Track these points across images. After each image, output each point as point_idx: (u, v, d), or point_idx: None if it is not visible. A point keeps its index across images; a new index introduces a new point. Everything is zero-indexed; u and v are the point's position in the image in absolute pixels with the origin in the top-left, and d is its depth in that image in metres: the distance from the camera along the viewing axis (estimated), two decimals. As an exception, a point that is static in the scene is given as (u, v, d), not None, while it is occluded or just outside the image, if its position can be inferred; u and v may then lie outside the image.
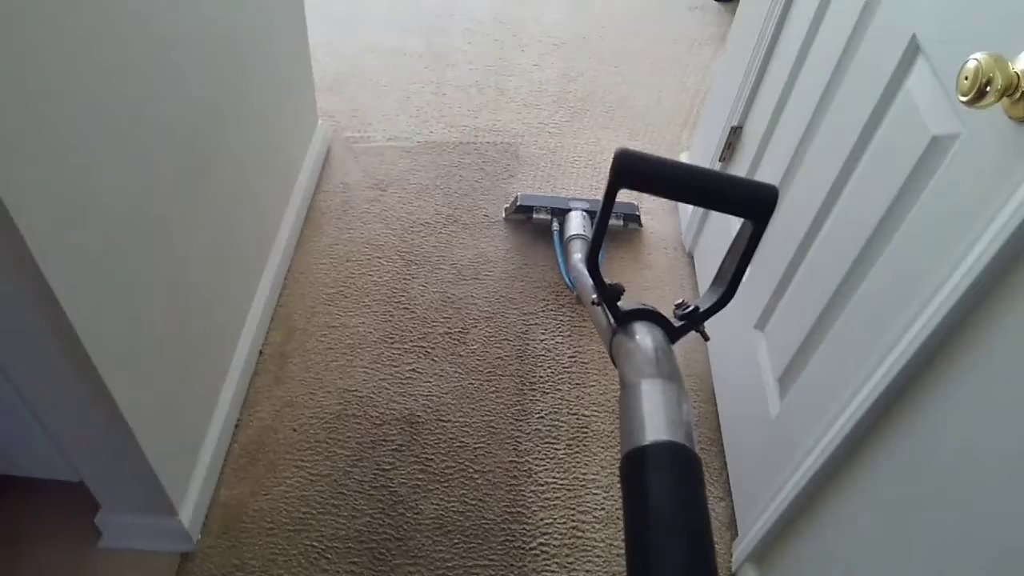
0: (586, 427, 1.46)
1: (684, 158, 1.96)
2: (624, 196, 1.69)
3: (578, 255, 1.57)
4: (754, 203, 0.71)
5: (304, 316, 1.59)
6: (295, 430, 1.41)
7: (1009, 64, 0.67)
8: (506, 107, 2.17)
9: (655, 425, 0.62)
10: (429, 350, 1.56)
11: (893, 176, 0.91)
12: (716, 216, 1.65)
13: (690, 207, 1.79)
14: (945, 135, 0.81)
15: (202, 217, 1.21)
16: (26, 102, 0.73)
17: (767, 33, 1.37)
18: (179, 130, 1.10)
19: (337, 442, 1.40)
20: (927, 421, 0.81)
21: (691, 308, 0.78)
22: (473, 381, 1.52)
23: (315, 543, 1.27)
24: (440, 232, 1.79)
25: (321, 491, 1.33)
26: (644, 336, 0.74)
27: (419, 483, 1.36)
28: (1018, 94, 0.67)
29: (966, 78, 0.68)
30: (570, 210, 1.74)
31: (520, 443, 1.43)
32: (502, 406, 1.48)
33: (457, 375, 1.52)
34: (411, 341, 1.57)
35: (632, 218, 1.79)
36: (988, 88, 0.67)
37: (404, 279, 1.69)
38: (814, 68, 1.20)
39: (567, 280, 1.65)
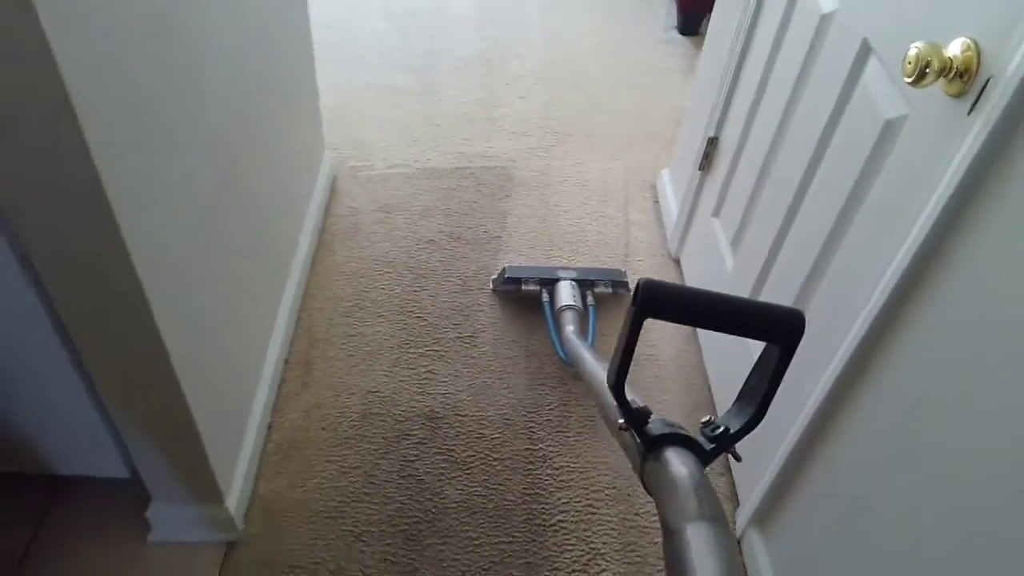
0: (592, 416, 1.57)
1: (665, 175, 2.12)
2: (611, 263, 1.84)
3: (570, 327, 1.59)
4: (782, 329, 0.69)
5: (324, 327, 1.71)
6: (324, 429, 1.51)
7: (943, 49, 0.83)
8: (496, 135, 2.33)
9: None
10: (443, 353, 1.68)
11: (855, 161, 1.06)
12: (699, 224, 1.80)
13: (674, 213, 1.94)
14: (896, 117, 0.97)
15: (232, 234, 1.33)
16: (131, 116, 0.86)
17: (736, 48, 1.55)
18: (213, 152, 1.22)
19: (364, 438, 1.50)
20: (900, 360, 0.95)
21: (721, 429, 0.75)
22: (486, 379, 1.63)
23: (351, 528, 1.36)
24: (444, 248, 1.93)
25: (353, 482, 1.43)
26: (679, 466, 0.70)
27: (443, 471, 1.46)
28: (952, 74, 0.83)
29: (909, 63, 0.84)
30: (559, 280, 1.75)
31: (534, 432, 1.54)
32: (514, 400, 1.60)
33: (470, 374, 1.64)
34: (426, 346, 1.69)
35: (620, 284, 1.81)
36: (928, 70, 0.82)
37: (414, 291, 1.81)
38: (780, 76, 1.36)
39: (560, 352, 1.62)
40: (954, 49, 0.83)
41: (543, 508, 1.42)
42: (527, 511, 1.41)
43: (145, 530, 1.31)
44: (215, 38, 1.18)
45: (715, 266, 1.64)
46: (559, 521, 1.40)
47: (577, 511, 1.42)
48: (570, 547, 1.37)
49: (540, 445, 1.52)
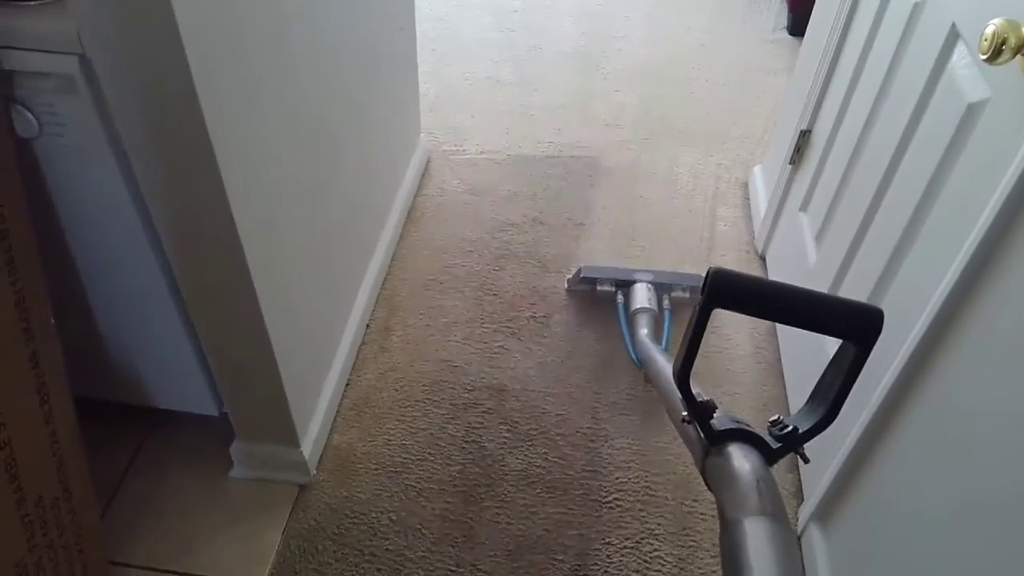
0: (659, 402, 1.57)
1: (758, 171, 2.09)
2: (692, 257, 1.81)
3: (644, 330, 1.57)
4: (858, 327, 0.66)
5: (406, 297, 1.79)
6: (397, 391, 1.59)
7: (1021, 27, 0.80)
8: (589, 126, 2.36)
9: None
10: (516, 331, 1.72)
11: (937, 147, 1.03)
12: (786, 219, 1.76)
13: (762, 209, 1.91)
14: (978, 101, 0.94)
15: (336, 198, 1.43)
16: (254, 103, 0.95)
17: (833, 40, 1.51)
18: (325, 125, 1.32)
19: (433, 403, 1.56)
20: (963, 362, 0.91)
21: (790, 428, 0.72)
22: (556, 358, 1.66)
23: (414, 484, 1.42)
24: (527, 232, 1.97)
25: (419, 442, 1.49)
26: (742, 461, 0.68)
27: (506, 441, 1.50)
28: (1031, 52, 0.80)
29: (986, 40, 0.81)
30: (635, 282, 1.72)
31: (598, 412, 1.56)
32: (582, 380, 1.62)
33: (541, 353, 1.68)
34: (500, 323, 1.74)
35: (699, 289, 1.79)
36: (1004, 47, 0.80)
37: (494, 270, 1.86)
38: (873, 66, 1.33)
39: (633, 356, 1.59)
40: (1035, 26, 0.80)
41: (601, 485, 1.44)
42: (585, 486, 1.43)
43: (228, 465, 1.42)
44: (328, 21, 1.27)
45: (798, 261, 1.60)
46: (615, 499, 1.41)
47: (635, 491, 1.43)
48: (624, 524, 1.38)
49: (603, 425, 1.54)
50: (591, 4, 2.99)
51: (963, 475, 0.89)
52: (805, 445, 0.71)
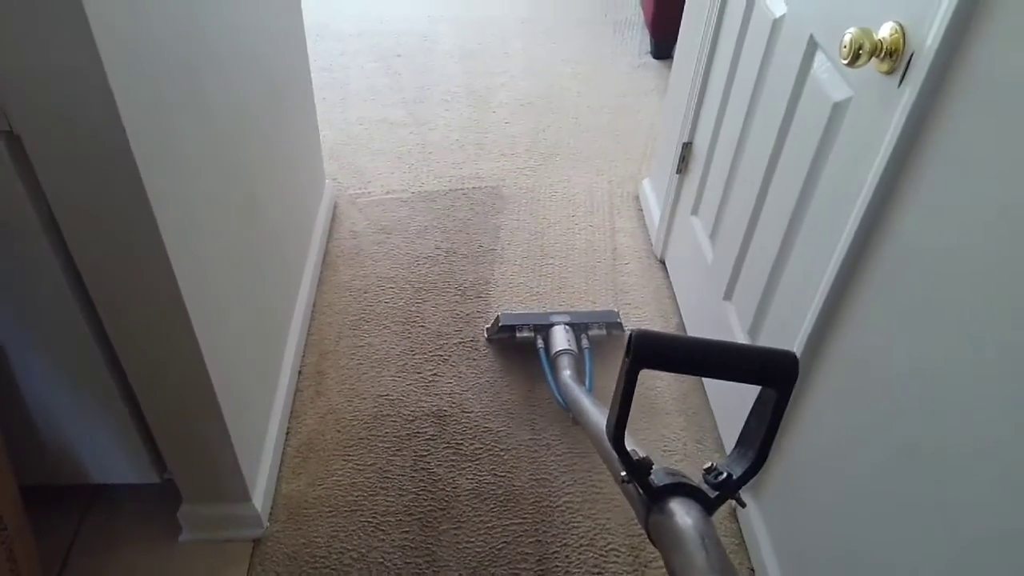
0: (592, 406, 1.67)
1: (646, 184, 2.25)
2: (603, 304, 1.92)
3: (567, 371, 1.59)
4: (775, 373, 0.70)
5: (333, 340, 1.80)
6: (339, 431, 1.60)
7: (873, 33, 0.95)
8: (485, 158, 2.46)
9: None
10: (447, 357, 1.78)
11: (810, 143, 1.18)
12: (680, 224, 1.92)
13: (656, 217, 2.06)
14: (842, 100, 1.10)
15: (258, 249, 1.45)
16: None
17: (703, 58, 1.68)
18: (242, 176, 1.34)
19: (377, 437, 1.59)
20: (856, 324, 1.05)
21: (724, 476, 0.74)
22: (489, 378, 1.73)
23: (370, 519, 1.44)
24: (443, 263, 2.04)
25: (369, 478, 1.51)
26: (684, 517, 0.69)
27: (453, 463, 1.55)
28: (883, 54, 0.95)
29: (845, 47, 0.96)
30: (553, 325, 1.75)
31: (536, 423, 1.63)
32: (517, 396, 1.69)
33: (474, 375, 1.74)
34: (430, 351, 1.79)
35: (614, 325, 1.81)
36: (861, 51, 0.95)
37: (416, 303, 1.91)
38: (742, 78, 1.50)
39: (558, 399, 1.59)
40: (883, 32, 0.96)
41: (549, 491, 1.50)
42: (535, 494, 1.50)
43: (176, 530, 1.39)
44: (231, 75, 1.30)
45: (697, 260, 1.75)
46: (566, 502, 1.49)
47: (582, 491, 1.50)
48: (576, 524, 1.45)
49: (543, 435, 1.61)
50: (470, 44, 3.13)
51: (860, 426, 1.02)
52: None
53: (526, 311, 1.89)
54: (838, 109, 1.11)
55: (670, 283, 1.99)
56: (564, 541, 1.42)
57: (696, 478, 0.76)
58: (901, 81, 0.94)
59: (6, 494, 1.04)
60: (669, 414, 1.66)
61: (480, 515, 1.46)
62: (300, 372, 1.72)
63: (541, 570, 1.38)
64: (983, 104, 0.81)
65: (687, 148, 1.83)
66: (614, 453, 0.76)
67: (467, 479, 1.52)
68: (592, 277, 2.02)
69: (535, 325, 1.76)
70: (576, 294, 1.96)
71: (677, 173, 1.89)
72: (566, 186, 2.35)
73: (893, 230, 0.97)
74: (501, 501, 1.48)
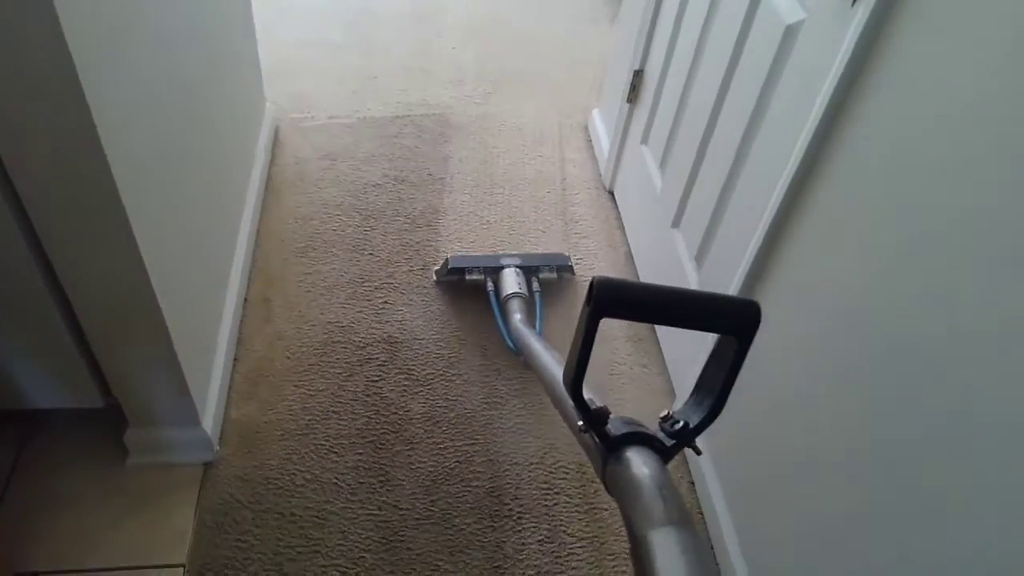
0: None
1: (596, 114, 2.24)
2: (555, 248, 1.90)
3: (517, 315, 1.58)
4: (738, 321, 0.69)
5: (279, 267, 1.77)
6: (288, 358, 1.59)
7: (827, -47, 0.96)
8: (433, 85, 2.41)
9: None
10: (396, 285, 1.77)
11: (761, 67, 1.20)
12: (629, 153, 1.93)
13: (605, 148, 2.07)
14: (795, 22, 1.11)
15: (199, 164, 1.39)
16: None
17: (655, -15, 1.67)
18: (184, 85, 1.28)
19: (328, 364, 1.58)
20: (800, 247, 1.09)
21: (681, 424, 0.73)
22: (439, 306, 1.73)
23: (322, 442, 1.45)
24: (391, 191, 2.01)
25: (320, 403, 1.51)
26: (640, 467, 0.69)
27: (405, 388, 1.56)
28: (836, -23, 0.96)
29: (798, -32, 0.97)
30: (503, 268, 1.73)
31: (487, 349, 1.65)
32: (467, 322, 1.70)
33: (424, 303, 1.74)
34: (380, 280, 1.77)
35: (565, 268, 1.80)
36: (813, -30, 0.95)
37: (365, 231, 1.89)
38: (695, 4, 1.49)
39: (509, 344, 1.59)
40: (838, -46, 0.96)
41: (500, 414, 1.54)
42: (486, 416, 1.53)
43: (123, 455, 1.37)
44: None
45: (646, 190, 1.77)
46: (516, 423, 1.52)
47: (532, 413, 1.54)
48: (527, 444, 1.49)
49: (493, 360, 1.63)
50: (415, -35, 3.01)
51: (803, 336, 1.07)
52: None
53: (476, 253, 1.85)
54: (790, 32, 1.12)
55: (619, 213, 2.01)
56: (514, 460, 1.46)
57: (652, 426, 0.75)
58: (855, 2, 0.95)
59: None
60: (616, 340, 1.70)
61: (433, 437, 1.48)
62: (246, 299, 1.69)
63: (493, 487, 1.42)
64: (931, 23, 0.83)
65: (638, 76, 1.83)
66: (570, 401, 0.74)
67: (419, 403, 1.54)
68: (541, 207, 2.02)
69: (485, 268, 1.74)
70: (526, 223, 1.96)
71: (627, 102, 1.89)
72: (515, 115, 2.33)
73: (839, 152, 0.99)
74: (453, 423, 1.51)
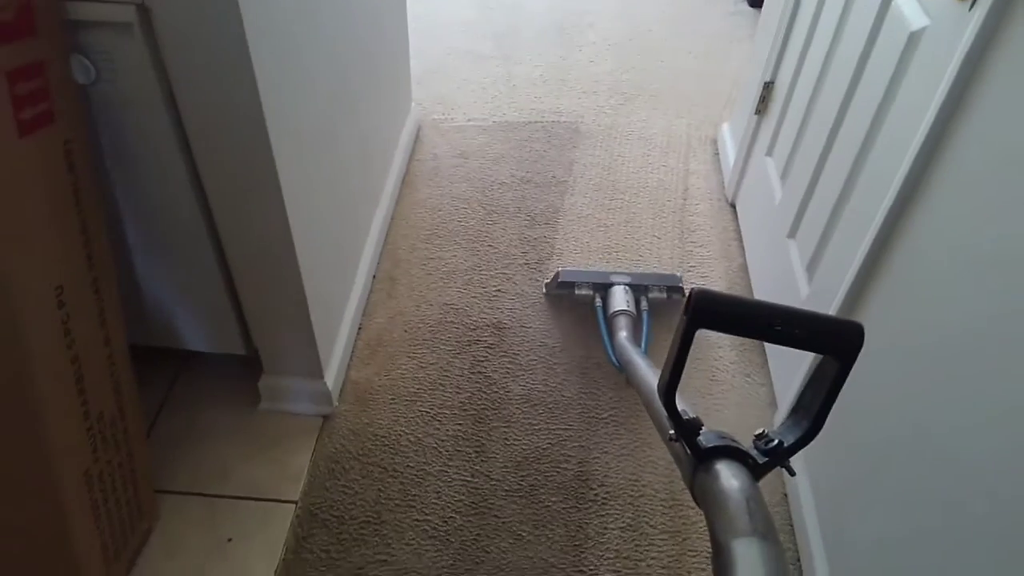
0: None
1: (725, 128, 2.25)
2: (665, 268, 1.92)
3: (623, 332, 1.58)
4: (839, 342, 0.67)
5: (407, 250, 1.92)
6: (406, 331, 1.72)
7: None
8: (567, 94, 2.51)
9: None
10: (511, 276, 1.86)
11: (885, 74, 1.19)
12: (754, 165, 1.93)
13: (731, 160, 2.07)
14: (919, 29, 1.10)
15: (349, 147, 1.56)
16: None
17: (790, -2, 1.68)
18: (344, 78, 1.45)
19: (440, 340, 1.70)
20: (905, 253, 1.07)
21: (775, 443, 0.72)
22: (549, 299, 1.81)
23: (428, 410, 1.56)
24: (516, 189, 2.11)
25: (430, 375, 1.63)
26: (730, 479, 0.68)
27: (508, 370, 1.65)
28: (957, -19, 0.96)
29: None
30: (612, 285, 1.74)
31: (589, 343, 1.71)
32: (575, 317, 1.76)
33: (535, 295, 1.82)
34: (496, 270, 1.88)
35: (675, 289, 1.78)
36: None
37: (487, 224, 2.00)
38: (827, 13, 1.49)
39: (613, 360, 1.59)
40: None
41: (596, 404, 1.58)
42: (582, 406, 1.58)
43: (256, 399, 1.54)
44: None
45: (766, 201, 1.76)
46: (610, 415, 1.57)
47: (628, 407, 1.58)
48: (619, 436, 1.53)
49: (594, 354, 1.68)
50: (563, -18, 3.14)
51: (911, 352, 1.05)
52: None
53: (587, 268, 1.86)
54: (913, 39, 1.11)
55: (738, 226, 2.01)
56: (605, 449, 1.51)
57: (747, 441, 0.74)
58: (972, 5, 0.94)
59: (119, 349, 1.20)
60: (721, 347, 1.70)
61: (529, 418, 1.56)
62: (374, 276, 1.85)
63: (581, 471, 1.47)
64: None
65: (768, 88, 1.83)
66: (664, 411, 0.74)
67: (520, 385, 1.62)
68: (660, 215, 2.05)
69: (594, 283, 1.75)
70: (642, 228, 2.00)
71: (756, 114, 1.89)
72: (644, 126, 2.37)
73: (952, 155, 0.98)
74: (549, 408, 1.58)
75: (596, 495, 1.43)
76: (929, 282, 1.01)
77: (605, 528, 1.39)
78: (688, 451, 0.73)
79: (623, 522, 1.40)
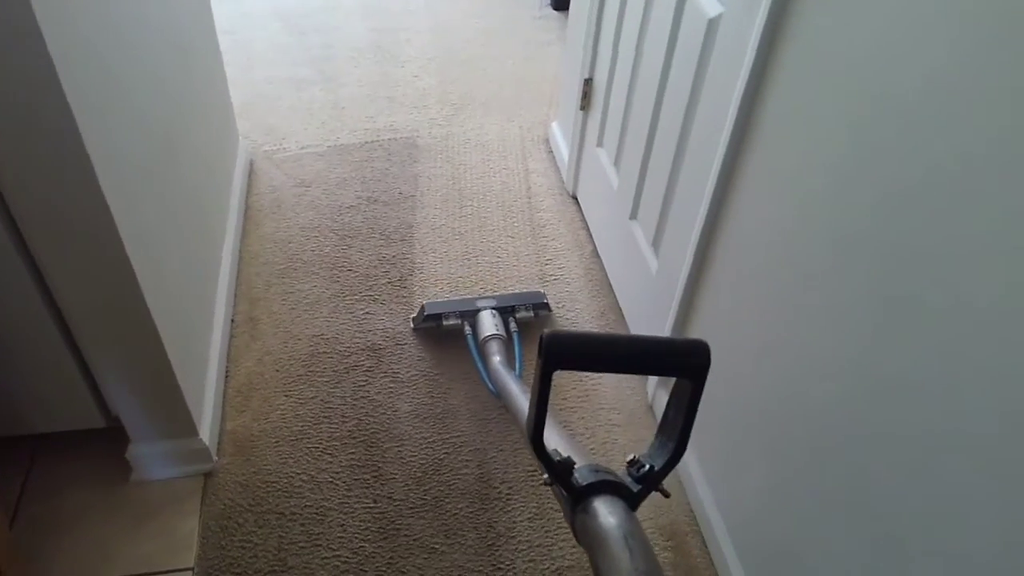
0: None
1: (554, 126, 2.37)
2: (531, 286, 1.99)
3: (496, 357, 1.57)
4: (689, 364, 0.70)
5: (263, 288, 1.85)
6: (277, 371, 1.66)
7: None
8: (398, 111, 2.52)
9: None
10: (376, 297, 1.86)
11: (691, 58, 1.32)
12: (587, 157, 2.05)
13: (565, 155, 2.19)
14: (715, 16, 1.23)
15: (179, 196, 1.48)
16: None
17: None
18: (162, 125, 1.38)
19: (316, 373, 1.66)
20: (737, 211, 1.20)
21: (647, 468, 0.74)
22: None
23: (316, 445, 1.52)
24: (364, 210, 2.10)
25: (311, 410, 1.59)
26: (607, 516, 0.69)
27: (391, 390, 1.64)
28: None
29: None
30: (479, 311, 1.74)
31: (466, 349, 1.74)
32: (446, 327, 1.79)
33: (404, 312, 1.83)
34: (360, 293, 1.86)
35: (541, 306, 1.80)
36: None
37: (342, 249, 1.98)
38: (631, 10, 1.62)
39: (489, 386, 1.57)
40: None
41: (483, 406, 1.62)
42: (470, 410, 1.61)
43: (126, 471, 1.43)
44: (147, 39, 1.33)
45: (604, 188, 1.88)
46: (499, 414, 1.61)
47: (513, 404, 1.63)
48: (511, 432, 1.57)
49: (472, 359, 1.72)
50: (372, 2, 3.15)
51: (748, 292, 1.17)
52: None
53: (451, 298, 1.85)
54: (712, 25, 1.24)
55: (583, 215, 2.12)
56: (500, 447, 1.55)
57: (620, 469, 0.77)
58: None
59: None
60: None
61: (421, 432, 1.56)
62: (233, 320, 1.77)
63: (481, 473, 1.50)
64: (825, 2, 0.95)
65: (588, 84, 1.95)
66: (538, 460, 0.75)
67: (406, 402, 1.62)
68: (509, 216, 2.12)
69: (462, 312, 1.75)
70: (495, 231, 2.06)
71: (581, 110, 2.01)
72: (479, 133, 2.44)
73: (759, 124, 1.11)
74: (439, 418, 1.59)
75: (500, 492, 1.47)
76: (759, 232, 1.14)
77: (514, 522, 1.42)
78: (564, 492, 0.75)
79: (529, 513, 1.44)
